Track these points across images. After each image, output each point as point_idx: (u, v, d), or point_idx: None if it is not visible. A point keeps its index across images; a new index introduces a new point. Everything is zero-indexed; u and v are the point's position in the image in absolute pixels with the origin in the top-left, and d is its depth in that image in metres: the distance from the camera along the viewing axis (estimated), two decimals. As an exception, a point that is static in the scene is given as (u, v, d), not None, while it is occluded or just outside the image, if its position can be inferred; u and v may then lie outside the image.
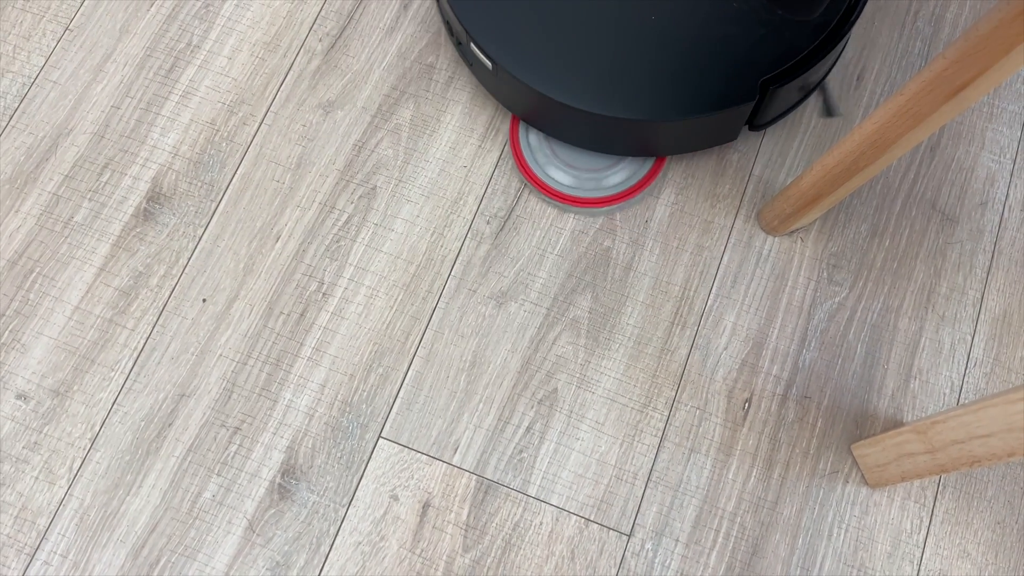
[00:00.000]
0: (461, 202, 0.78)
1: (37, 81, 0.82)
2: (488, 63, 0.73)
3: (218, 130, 0.81)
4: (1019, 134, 0.81)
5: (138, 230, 0.78)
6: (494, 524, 0.70)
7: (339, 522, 0.70)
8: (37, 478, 0.71)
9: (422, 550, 0.69)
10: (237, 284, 0.76)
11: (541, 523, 0.70)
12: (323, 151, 0.80)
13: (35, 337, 0.74)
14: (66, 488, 0.71)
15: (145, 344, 0.74)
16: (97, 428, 0.72)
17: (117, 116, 0.81)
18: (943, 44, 0.83)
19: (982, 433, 0.55)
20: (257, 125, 0.81)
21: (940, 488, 0.71)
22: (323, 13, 0.84)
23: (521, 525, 0.70)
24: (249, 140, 0.80)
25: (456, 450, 0.72)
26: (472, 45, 0.73)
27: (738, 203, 0.78)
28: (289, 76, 0.82)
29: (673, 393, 0.73)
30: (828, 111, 0.80)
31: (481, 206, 0.78)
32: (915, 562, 0.69)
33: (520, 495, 0.71)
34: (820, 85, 0.81)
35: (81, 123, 0.81)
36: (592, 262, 0.77)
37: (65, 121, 0.81)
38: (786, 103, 0.76)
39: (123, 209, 0.78)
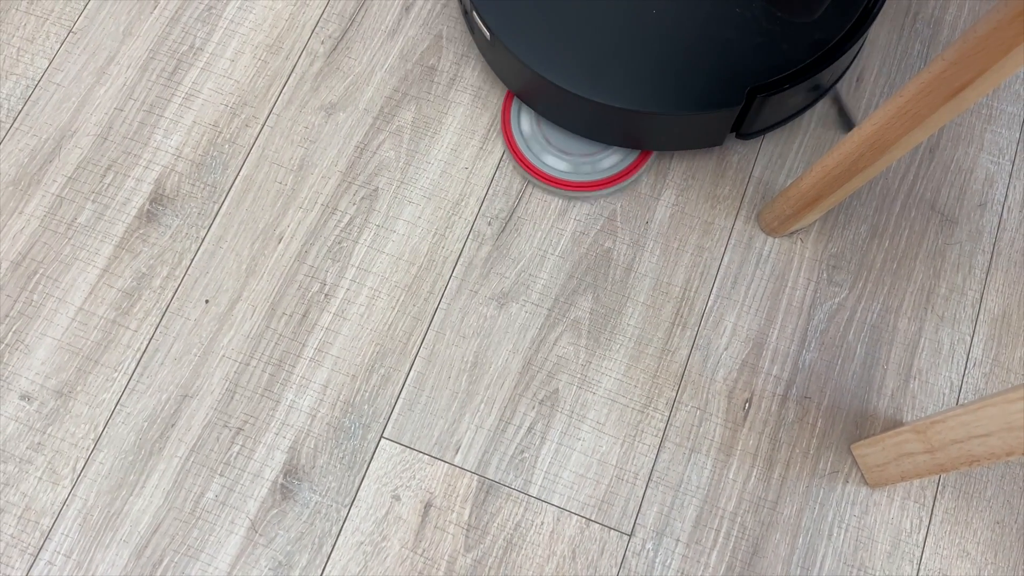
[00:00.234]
0: (463, 203, 0.79)
1: (41, 83, 0.82)
2: (487, 33, 0.74)
3: (221, 132, 0.81)
4: (1018, 135, 0.81)
5: (141, 231, 0.78)
6: (496, 524, 0.70)
7: (341, 522, 0.70)
8: (41, 478, 0.71)
9: (424, 550, 0.70)
10: (240, 285, 0.76)
11: (542, 523, 0.70)
12: (325, 153, 0.80)
13: (39, 338, 0.75)
14: (69, 488, 0.71)
15: (148, 345, 0.75)
16: (100, 428, 0.72)
17: (120, 118, 0.81)
18: (942, 46, 0.84)
19: (981, 433, 0.56)
20: (259, 127, 0.81)
21: (940, 488, 0.71)
22: (325, 16, 0.85)
23: (522, 525, 0.70)
24: (252, 142, 0.81)
25: (458, 450, 0.72)
26: (474, 14, 0.74)
27: (738, 204, 0.79)
28: (291, 78, 0.83)
29: (674, 393, 0.73)
30: (845, 123, 0.80)
31: (482, 207, 0.79)
32: (915, 561, 0.69)
33: (521, 495, 0.71)
34: (833, 95, 0.80)
35: (84, 125, 0.81)
36: (593, 263, 0.77)
37: (69, 123, 0.81)
38: (776, 115, 0.75)
39: (126, 211, 0.78)
